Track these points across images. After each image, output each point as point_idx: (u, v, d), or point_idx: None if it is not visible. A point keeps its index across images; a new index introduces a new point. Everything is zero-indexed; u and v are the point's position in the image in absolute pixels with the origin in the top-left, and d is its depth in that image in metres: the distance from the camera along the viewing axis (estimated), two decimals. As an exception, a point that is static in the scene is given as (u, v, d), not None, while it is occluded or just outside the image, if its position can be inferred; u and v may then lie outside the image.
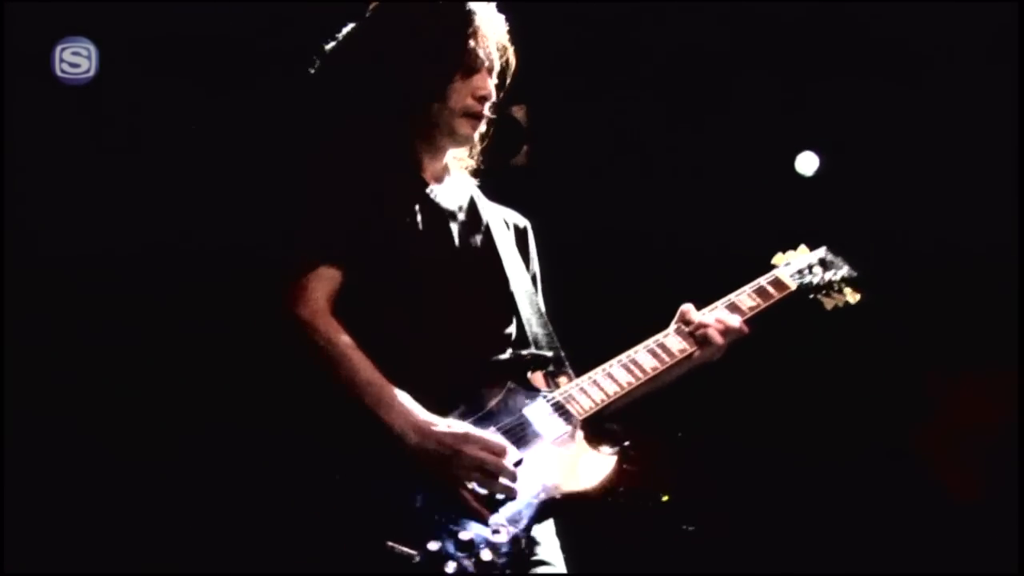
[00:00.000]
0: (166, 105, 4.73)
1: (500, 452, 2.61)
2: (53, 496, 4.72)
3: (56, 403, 4.76)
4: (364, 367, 2.60)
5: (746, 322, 3.08)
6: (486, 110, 2.93)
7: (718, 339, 2.99)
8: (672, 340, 3.01)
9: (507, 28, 2.99)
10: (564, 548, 2.90)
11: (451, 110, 2.89)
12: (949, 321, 5.44)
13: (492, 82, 2.95)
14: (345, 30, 2.98)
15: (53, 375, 4.75)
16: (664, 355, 2.98)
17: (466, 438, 2.59)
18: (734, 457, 5.51)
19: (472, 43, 2.88)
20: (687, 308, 3.06)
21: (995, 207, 5.24)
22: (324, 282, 2.67)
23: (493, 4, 2.98)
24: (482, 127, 2.97)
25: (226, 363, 4.71)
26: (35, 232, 4.61)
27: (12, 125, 4.49)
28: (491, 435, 2.64)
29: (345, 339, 2.61)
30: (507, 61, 3.00)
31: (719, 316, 3.05)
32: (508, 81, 3.02)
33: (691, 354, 3.01)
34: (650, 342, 3.01)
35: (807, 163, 5.72)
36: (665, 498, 3.76)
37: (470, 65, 2.89)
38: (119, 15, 4.59)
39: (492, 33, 2.94)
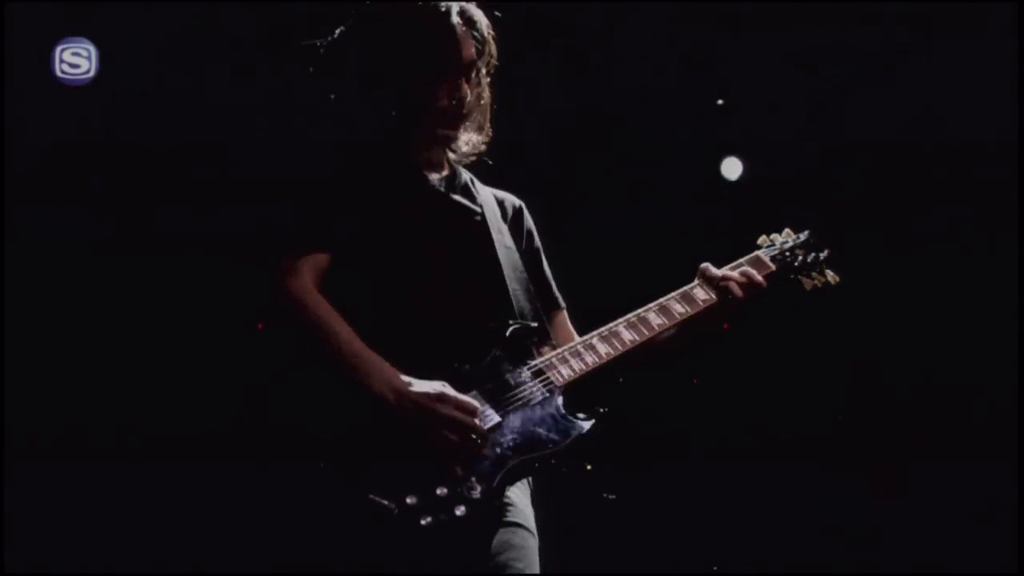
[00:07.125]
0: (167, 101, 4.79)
1: (473, 412, 2.74)
2: (53, 496, 4.74)
3: (55, 402, 4.79)
4: (347, 337, 2.76)
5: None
6: (465, 108, 3.03)
7: (738, 291, 3.04)
8: (694, 293, 3.08)
9: (486, 23, 3.05)
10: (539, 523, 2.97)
11: (429, 114, 3.00)
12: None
13: (473, 80, 3.04)
14: (331, 36, 3.06)
15: (52, 373, 4.78)
16: (644, 328, 3.03)
17: (440, 398, 2.71)
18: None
19: (445, 46, 2.97)
20: (707, 265, 3.12)
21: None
22: (312, 264, 2.86)
23: (472, 3, 3.04)
24: (468, 126, 3.08)
25: (220, 338, 4.89)
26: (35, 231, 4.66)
27: (12, 125, 4.51)
28: (465, 397, 2.76)
29: (330, 312, 2.79)
30: (488, 55, 3.07)
31: (744, 270, 3.09)
32: (491, 71, 3.09)
33: (710, 306, 3.05)
34: (643, 310, 3.06)
35: (731, 168, 5.80)
36: (589, 467, 3.85)
37: (444, 69, 2.99)
38: (119, 15, 4.61)
39: (468, 32, 3.01)
